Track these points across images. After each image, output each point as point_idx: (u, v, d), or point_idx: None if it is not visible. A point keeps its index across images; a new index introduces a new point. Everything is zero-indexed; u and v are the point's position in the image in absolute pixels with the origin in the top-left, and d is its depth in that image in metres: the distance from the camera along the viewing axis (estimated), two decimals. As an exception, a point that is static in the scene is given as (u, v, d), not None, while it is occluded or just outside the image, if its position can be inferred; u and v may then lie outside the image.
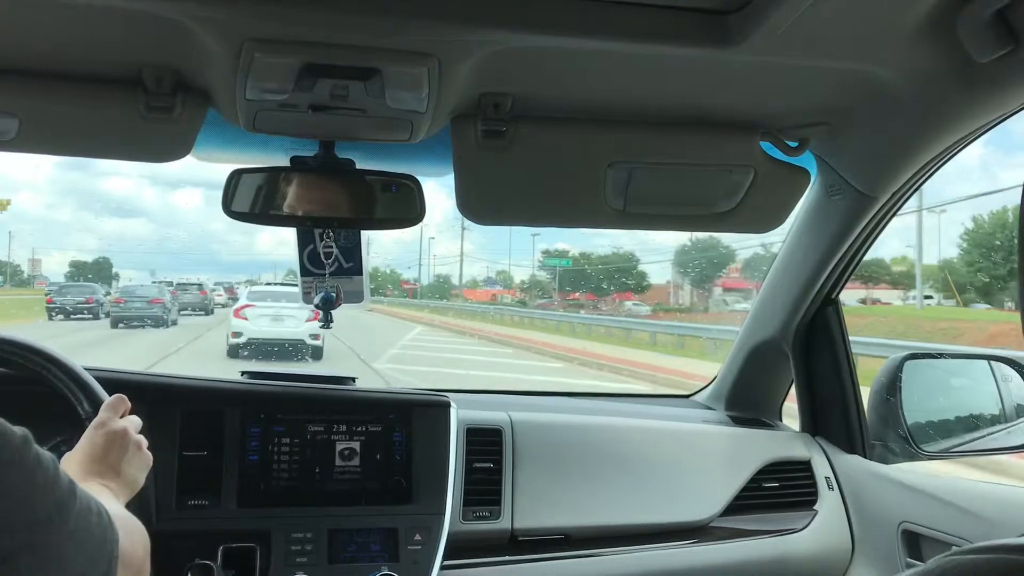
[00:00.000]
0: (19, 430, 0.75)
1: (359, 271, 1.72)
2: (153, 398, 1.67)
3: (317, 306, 1.69)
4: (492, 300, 40.91)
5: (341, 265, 1.70)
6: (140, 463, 1.26)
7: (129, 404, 1.32)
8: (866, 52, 1.28)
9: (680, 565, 1.89)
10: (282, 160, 1.57)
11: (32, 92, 1.37)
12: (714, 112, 1.53)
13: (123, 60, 1.32)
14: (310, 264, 1.68)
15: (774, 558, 1.95)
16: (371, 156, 1.60)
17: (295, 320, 13.18)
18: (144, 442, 1.29)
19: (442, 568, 1.68)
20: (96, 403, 1.41)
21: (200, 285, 24.66)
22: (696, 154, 1.59)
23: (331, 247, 1.67)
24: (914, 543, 1.81)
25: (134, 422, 1.31)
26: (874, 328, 19.49)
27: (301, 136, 1.54)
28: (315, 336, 13.07)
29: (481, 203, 1.62)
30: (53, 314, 19.54)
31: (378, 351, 15.54)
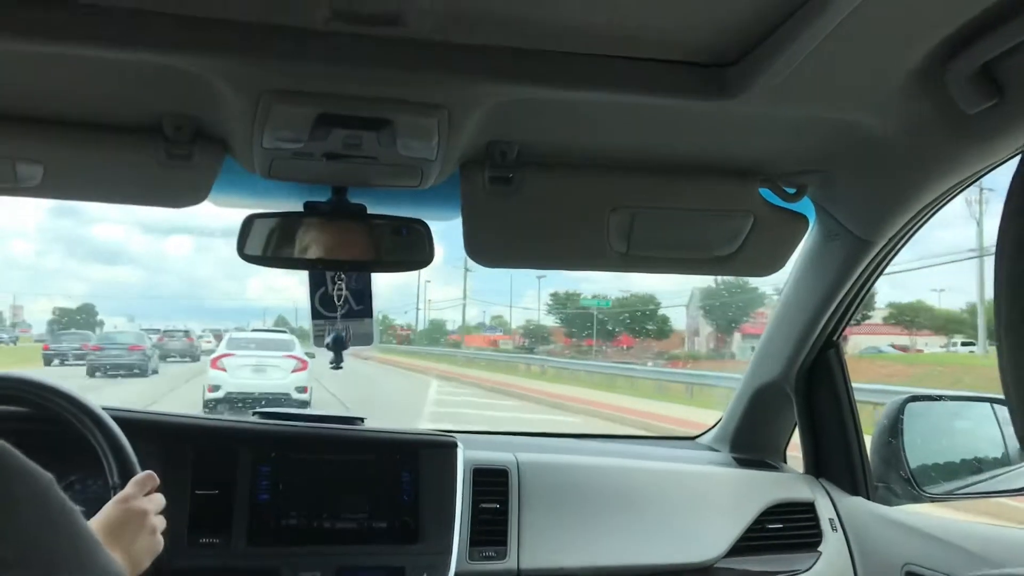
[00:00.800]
0: (45, 475, 0.76)
1: (369, 313, 1.76)
2: (167, 437, 1.70)
3: (328, 347, 1.72)
4: (492, 346, 39.33)
5: (352, 307, 1.74)
6: (150, 547, 1.29)
7: (157, 482, 1.35)
8: (859, 102, 1.33)
9: None
10: (296, 205, 1.62)
11: (57, 140, 1.42)
12: (713, 160, 1.58)
13: (144, 110, 1.37)
14: (322, 307, 1.72)
15: None
16: (382, 201, 1.65)
17: (280, 371, 12.04)
18: (160, 526, 1.31)
19: None
20: (126, 476, 1.44)
21: (187, 332, 24.17)
22: (697, 200, 1.63)
23: (342, 290, 1.71)
24: None
25: (156, 502, 1.33)
26: (938, 380, 18.18)
27: (315, 183, 1.58)
28: (302, 389, 11.95)
29: (488, 246, 1.66)
30: (51, 360, 19.13)
31: (396, 413, 13.61)
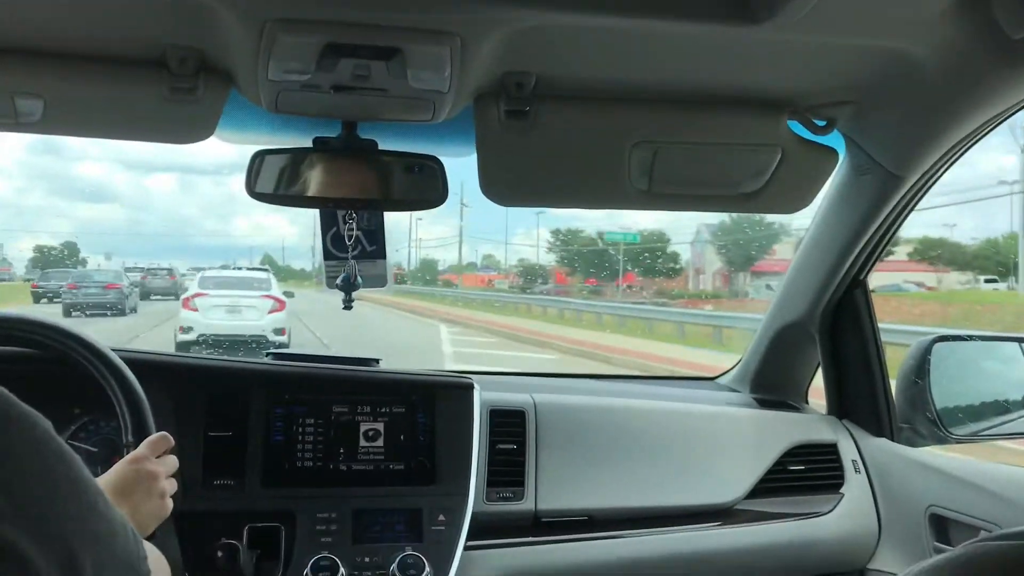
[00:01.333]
0: (43, 421, 0.73)
1: (382, 254, 1.73)
2: (180, 379, 1.68)
3: (338, 287, 1.69)
4: (488, 286, 36.77)
5: (364, 248, 1.70)
6: (157, 511, 1.26)
7: (172, 443, 1.33)
8: (896, 29, 1.26)
9: (704, 547, 1.88)
10: (305, 141, 1.57)
11: (57, 74, 1.37)
12: (740, 91, 1.51)
13: (147, 41, 1.33)
14: (333, 248, 1.69)
15: (799, 541, 1.94)
16: (393, 137, 1.60)
17: (256, 312, 11.45)
18: (169, 490, 1.29)
19: (465, 548, 1.69)
20: (140, 435, 1.42)
21: (170, 270, 23.40)
22: (722, 134, 1.57)
23: (353, 230, 1.67)
24: (942, 527, 1.79)
25: (168, 465, 1.31)
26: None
27: (323, 116, 1.53)
28: (279, 331, 11.31)
29: (504, 184, 1.62)
30: (39, 298, 18.88)
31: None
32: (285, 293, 12.64)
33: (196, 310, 11.30)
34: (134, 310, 17.40)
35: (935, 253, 32.44)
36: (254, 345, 10.68)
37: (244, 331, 10.72)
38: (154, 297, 20.06)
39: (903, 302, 20.86)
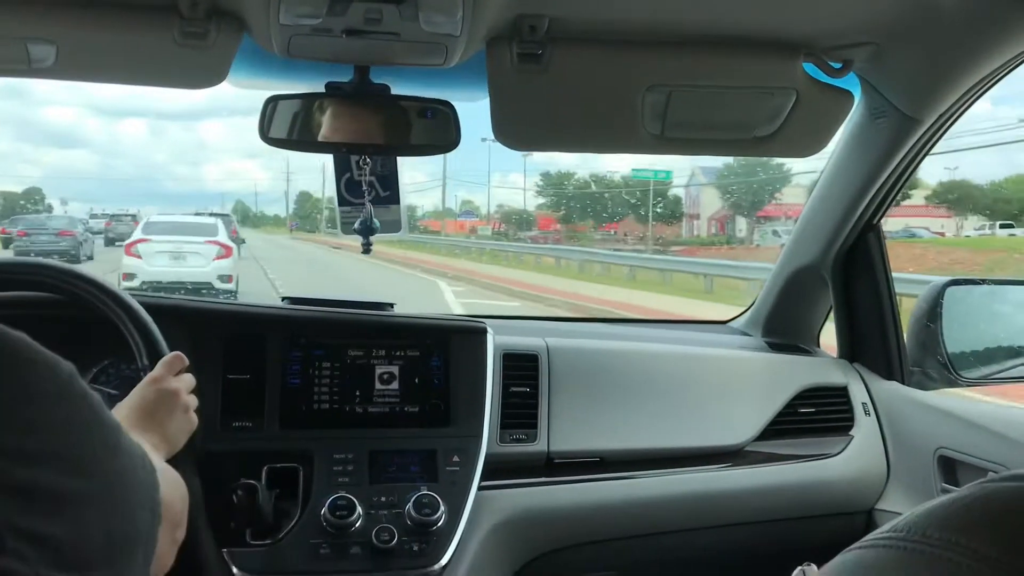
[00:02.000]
0: (66, 364, 0.74)
1: (396, 200, 1.73)
2: (197, 323, 1.70)
3: (356, 231, 1.70)
4: (471, 233, 34.84)
5: (379, 194, 1.71)
6: (185, 425, 1.30)
7: (187, 362, 1.35)
8: None
9: (714, 488, 1.91)
10: (317, 87, 1.57)
11: (69, 19, 1.37)
12: (756, 32, 1.49)
13: None
14: (348, 193, 1.69)
15: (809, 482, 1.97)
16: (406, 81, 1.59)
17: (201, 258, 11.06)
18: (193, 404, 1.32)
19: (479, 489, 1.72)
20: (155, 357, 1.44)
21: (134, 216, 22.56)
22: (736, 76, 1.55)
23: (367, 175, 1.67)
24: (950, 469, 1.81)
25: (187, 382, 1.34)
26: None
27: (335, 61, 1.52)
28: (225, 278, 10.99)
29: (517, 128, 1.61)
30: (9, 243, 18.40)
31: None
32: (237, 239, 12.22)
33: (139, 256, 10.92)
34: (90, 257, 16.86)
35: (953, 196, 30.91)
36: (195, 293, 10.18)
37: (188, 278, 10.38)
38: (119, 244, 19.59)
39: (928, 249, 19.92)
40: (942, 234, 27.77)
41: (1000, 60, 1.47)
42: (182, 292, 9.51)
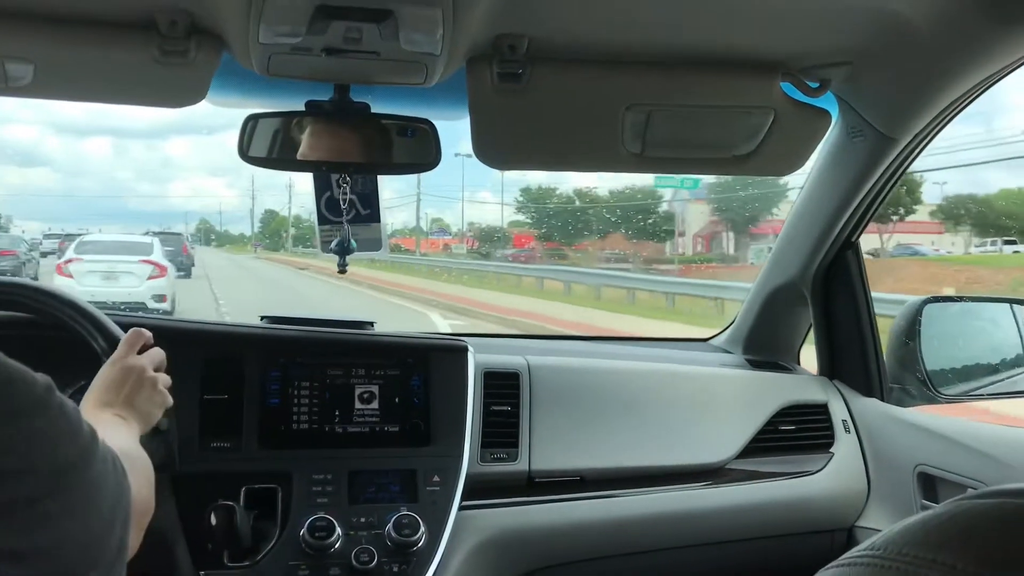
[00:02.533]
0: (42, 377, 0.75)
1: (377, 218, 1.72)
2: (174, 343, 1.69)
3: (333, 251, 1.70)
4: (445, 251, 33.45)
5: (359, 212, 1.70)
6: (156, 399, 1.28)
7: (148, 338, 1.33)
8: None
9: (695, 506, 1.91)
10: (297, 105, 1.57)
11: (47, 37, 1.36)
12: (734, 52, 1.50)
13: (136, 4, 1.31)
14: (328, 212, 1.68)
15: (790, 500, 1.97)
16: (386, 100, 1.59)
17: (134, 278, 10.87)
18: (163, 380, 1.30)
19: (460, 509, 1.71)
20: (111, 338, 1.43)
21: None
22: (715, 96, 1.57)
23: (347, 193, 1.67)
24: (930, 486, 1.82)
25: (153, 357, 1.32)
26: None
27: (315, 80, 1.52)
28: (159, 298, 10.75)
29: (497, 147, 1.61)
30: None
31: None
32: (185, 258, 11.86)
33: (71, 276, 10.65)
34: (35, 277, 16.15)
35: (960, 212, 29.04)
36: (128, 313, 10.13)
37: (121, 298, 9.93)
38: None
39: (944, 267, 19.16)
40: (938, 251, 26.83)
41: (974, 80, 1.49)
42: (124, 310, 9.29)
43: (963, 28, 1.33)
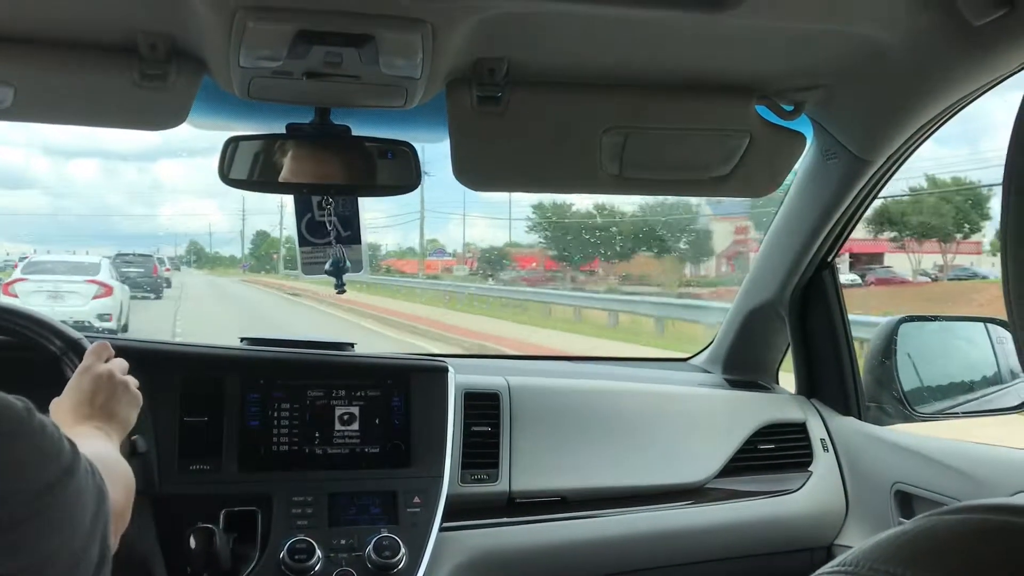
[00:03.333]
0: (20, 401, 0.76)
1: (357, 239, 1.73)
2: (153, 364, 1.68)
3: (328, 272, 1.70)
4: (446, 274, 29.58)
5: (340, 233, 1.70)
6: (130, 402, 1.28)
7: (112, 351, 1.33)
8: (861, 15, 1.28)
9: (676, 525, 1.91)
10: (278, 127, 1.57)
11: (27, 60, 1.37)
12: (709, 76, 1.53)
13: (117, 27, 1.32)
14: (308, 233, 1.69)
15: (769, 518, 1.98)
16: (367, 123, 1.60)
17: (79, 297, 11.02)
18: (132, 382, 1.30)
19: (441, 530, 1.70)
20: (66, 339, 1.44)
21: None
22: (691, 119, 1.59)
23: (329, 215, 1.68)
24: (907, 503, 1.84)
25: (119, 364, 1.32)
26: None
27: (296, 103, 1.53)
28: (104, 317, 10.95)
29: (477, 169, 1.63)
30: None
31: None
32: (156, 279, 12.38)
33: (16, 296, 10.71)
34: None
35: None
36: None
37: (66, 317, 9.72)
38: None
39: None
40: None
41: (945, 103, 1.52)
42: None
43: (934, 53, 1.35)
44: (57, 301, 10.76)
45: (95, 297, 11.18)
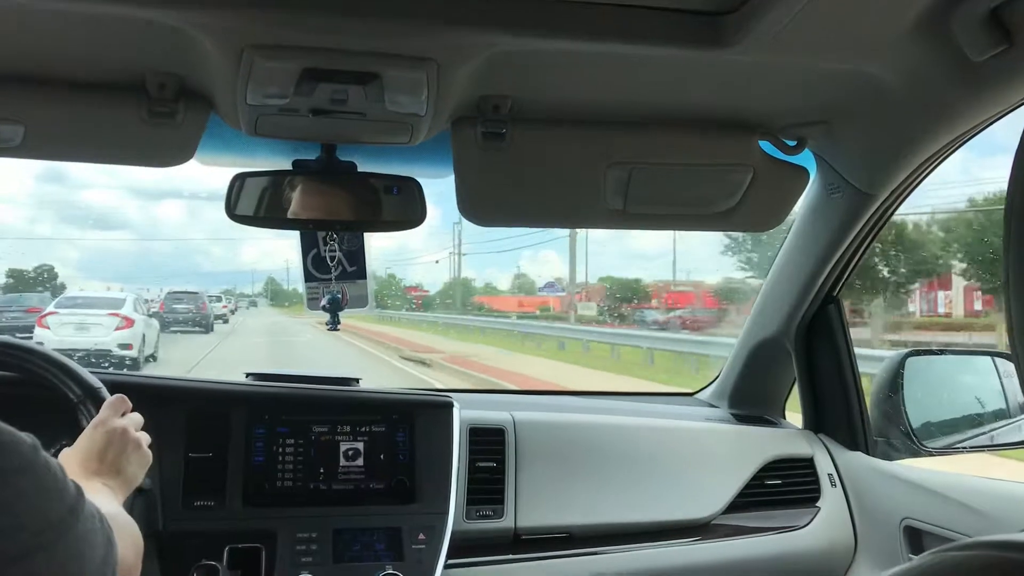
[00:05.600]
0: (28, 437, 0.76)
1: (363, 275, 1.74)
2: (158, 400, 1.68)
3: (324, 308, 1.70)
4: (567, 312, 24.12)
5: (345, 269, 1.71)
6: (139, 461, 1.28)
7: (130, 405, 1.34)
8: (862, 52, 1.29)
9: (683, 562, 1.89)
10: (284, 164, 1.59)
11: (37, 99, 1.39)
12: (712, 112, 1.54)
13: (126, 66, 1.34)
14: (314, 269, 1.70)
15: (777, 555, 1.96)
16: (372, 159, 1.62)
17: (103, 329, 12.31)
18: (144, 440, 1.30)
19: (446, 567, 1.69)
20: (84, 386, 1.45)
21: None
22: (695, 154, 1.60)
23: (335, 251, 1.68)
24: (916, 539, 1.82)
25: (134, 420, 1.32)
26: None
27: (302, 140, 1.55)
28: (125, 346, 12.22)
29: (481, 204, 1.64)
30: None
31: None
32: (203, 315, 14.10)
33: (48, 328, 12.18)
34: None
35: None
36: (94, 360, 10.99)
37: (90, 346, 11.58)
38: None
39: None
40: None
41: (947, 138, 1.53)
42: (86, 360, 10.48)
43: (934, 90, 1.36)
44: (83, 332, 12.12)
45: (117, 328, 12.36)
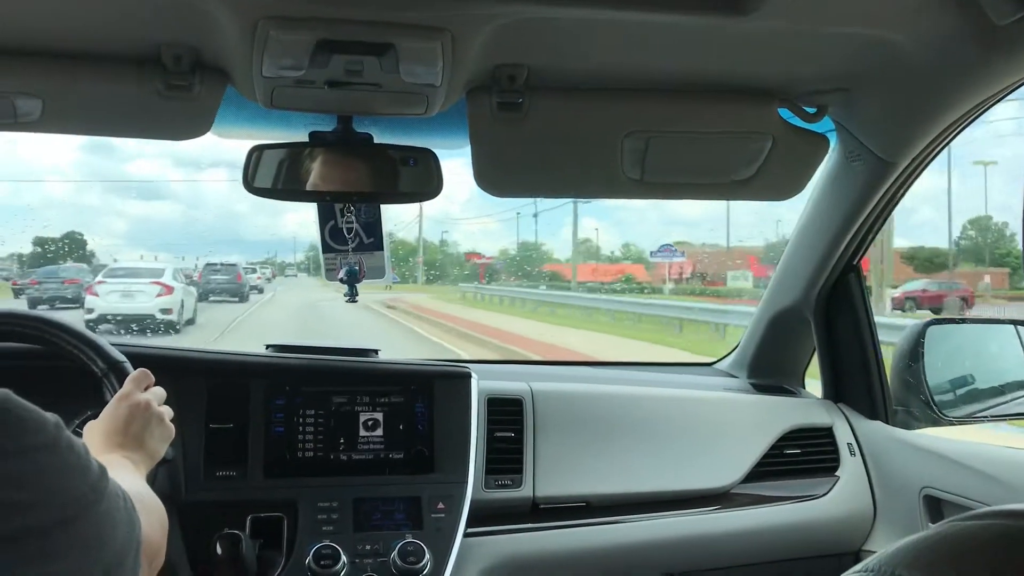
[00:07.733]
0: (51, 416, 0.77)
1: (380, 246, 1.74)
2: (179, 372, 1.70)
3: (342, 280, 1.71)
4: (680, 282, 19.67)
5: (362, 241, 1.71)
6: (162, 435, 1.30)
7: (152, 379, 1.35)
8: (883, 17, 1.27)
9: (701, 531, 1.90)
10: (301, 136, 1.59)
11: (54, 73, 1.39)
12: (731, 80, 1.52)
13: (141, 39, 1.34)
14: (332, 240, 1.70)
15: (795, 524, 1.97)
16: (389, 130, 1.61)
17: (145, 296, 13.50)
18: (167, 414, 1.32)
19: (465, 535, 1.71)
20: (108, 360, 1.47)
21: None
22: (713, 122, 1.58)
23: (352, 222, 1.69)
24: (935, 508, 1.82)
25: (157, 394, 1.34)
26: None
27: (318, 111, 1.55)
28: (166, 311, 13.35)
29: (498, 174, 1.63)
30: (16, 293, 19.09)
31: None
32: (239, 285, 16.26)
33: (97, 295, 13.49)
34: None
35: None
36: (137, 325, 12.66)
37: (134, 311, 12.89)
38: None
39: None
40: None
41: (968, 105, 1.51)
42: (131, 323, 12.47)
43: (955, 55, 1.34)
44: (128, 299, 13.40)
45: (158, 295, 13.52)
